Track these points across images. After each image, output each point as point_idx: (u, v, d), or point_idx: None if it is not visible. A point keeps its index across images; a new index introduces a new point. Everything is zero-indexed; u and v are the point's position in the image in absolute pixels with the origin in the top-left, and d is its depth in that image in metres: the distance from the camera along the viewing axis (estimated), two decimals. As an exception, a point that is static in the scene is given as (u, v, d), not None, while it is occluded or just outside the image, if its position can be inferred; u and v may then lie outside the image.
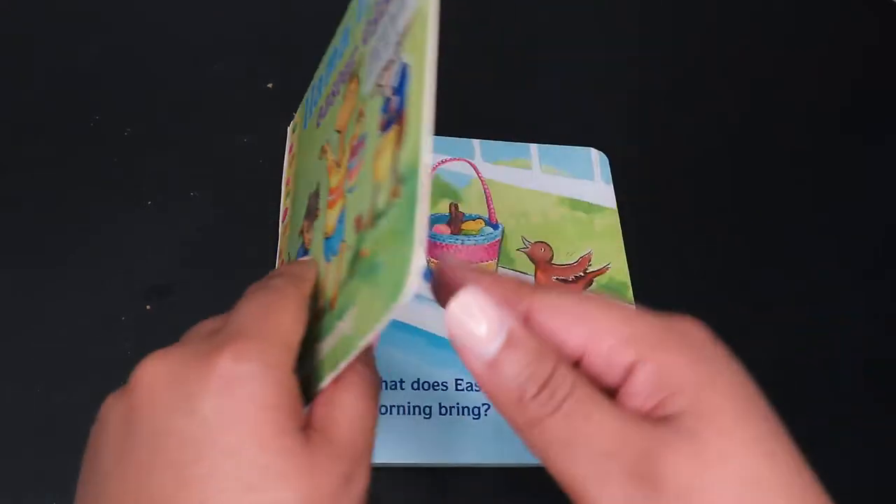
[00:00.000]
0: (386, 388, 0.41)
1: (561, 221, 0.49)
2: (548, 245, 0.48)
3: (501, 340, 0.23)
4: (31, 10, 0.51)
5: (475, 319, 0.23)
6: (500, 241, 0.47)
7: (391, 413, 0.40)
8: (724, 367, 0.24)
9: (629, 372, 0.24)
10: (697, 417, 0.22)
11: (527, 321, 0.24)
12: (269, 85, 0.51)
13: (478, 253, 0.46)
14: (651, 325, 0.24)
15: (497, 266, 0.46)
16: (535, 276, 0.46)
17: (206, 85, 0.51)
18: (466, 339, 0.23)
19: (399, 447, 0.39)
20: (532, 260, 0.47)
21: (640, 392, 0.23)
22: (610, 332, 0.24)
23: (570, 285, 0.46)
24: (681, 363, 0.23)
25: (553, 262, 0.47)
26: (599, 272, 0.47)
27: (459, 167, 0.50)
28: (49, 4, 0.52)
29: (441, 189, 0.49)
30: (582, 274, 0.47)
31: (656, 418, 0.23)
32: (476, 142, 0.51)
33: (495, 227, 0.48)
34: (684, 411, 0.22)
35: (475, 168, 0.50)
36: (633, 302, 0.46)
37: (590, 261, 0.48)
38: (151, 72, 0.51)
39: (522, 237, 0.48)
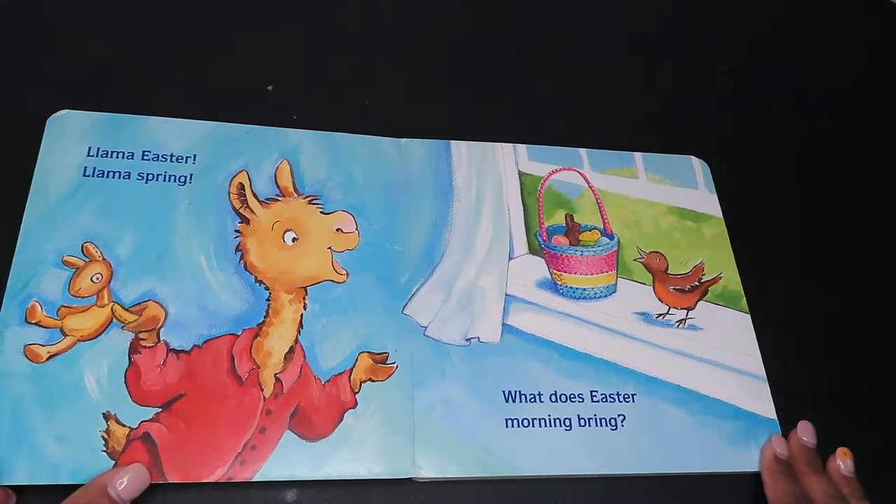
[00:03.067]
0: (525, 400, 0.42)
1: (671, 231, 0.50)
2: (662, 255, 0.49)
3: None
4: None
5: None
6: (618, 252, 0.48)
7: (533, 426, 0.41)
8: None
9: None
10: None
11: None
12: (269, 87, 0.52)
13: (598, 264, 0.47)
14: None
15: (616, 276, 0.48)
16: (654, 286, 0.47)
17: (206, 86, 0.50)
18: None
19: (545, 459, 0.40)
20: (649, 270, 0.48)
21: None
22: None
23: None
24: None
25: (668, 271, 0.48)
26: (713, 281, 0.48)
27: (570, 177, 0.51)
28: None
29: (555, 199, 0.49)
30: (697, 283, 0.48)
31: None
32: (583, 151, 0.52)
33: (611, 237, 0.49)
34: None
35: (585, 178, 0.51)
36: (748, 311, 0.47)
37: (703, 270, 0.49)
38: (152, 72, 0.50)
39: (637, 247, 0.49)
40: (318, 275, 0.44)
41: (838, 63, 0.64)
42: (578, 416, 0.42)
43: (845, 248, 0.53)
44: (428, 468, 0.39)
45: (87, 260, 0.41)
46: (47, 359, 0.38)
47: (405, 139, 0.50)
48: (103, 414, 0.37)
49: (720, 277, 0.48)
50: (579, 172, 0.51)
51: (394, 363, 0.42)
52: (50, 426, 0.36)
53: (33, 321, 0.38)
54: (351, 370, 0.41)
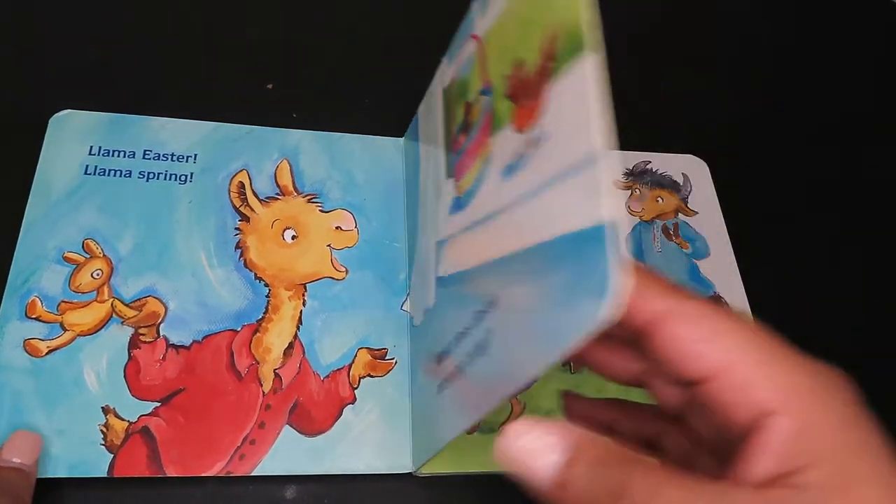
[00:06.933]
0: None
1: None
2: (661, 251, 0.49)
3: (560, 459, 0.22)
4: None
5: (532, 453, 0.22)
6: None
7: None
8: (870, 437, 0.22)
9: (761, 419, 0.21)
10: (838, 493, 0.20)
11: (660, 324, 0.23)
12: (269, 86, 0.52)
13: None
14: (800, 372, 0.22)
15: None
16: (653, 282, 0.47)
17: (207, 86, 0.50)
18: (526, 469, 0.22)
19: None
20: (647, 267, 0.48)
21: (770, 452, 0.21)
22: (753, 366, 0.22)
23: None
24: (828, 427, 0.21)
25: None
26: (713, 278, 0.48)
27: (568, 175, 0.51)
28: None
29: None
30: (696, 280, 0.48)
31: (780, 487, 0.20)
32: (581, 150, 0.52)
33: (609, 234, 0.49)
34: (822, 485, 0.20)
35: (583, 176, 0.51)
36: (750, 312, 0.47)
37: (702, 267, 0.49)
38: (153, 73, 0.50)
39: (636, 244, 0.49)
40: (317, 272, 0.44)
41: (839, 61, 0.65)
42: (578, 411, 0.42)
43: (850, 244, 0.53)
44: (427, 463, 0.39)
45: (88, 256, 0.41)
46: (47, 353, 0.38)
47: (404, 139, 0.50)
48: (102, 408, 0.37)
49: (719, 274, 0.49)
50: (578, 171, 0.51)
51: (393, 359, 0.42)
52: (49, 420, 0.36)
53: (33, 316, 0.39)
54: (350, 366, 0.41)
